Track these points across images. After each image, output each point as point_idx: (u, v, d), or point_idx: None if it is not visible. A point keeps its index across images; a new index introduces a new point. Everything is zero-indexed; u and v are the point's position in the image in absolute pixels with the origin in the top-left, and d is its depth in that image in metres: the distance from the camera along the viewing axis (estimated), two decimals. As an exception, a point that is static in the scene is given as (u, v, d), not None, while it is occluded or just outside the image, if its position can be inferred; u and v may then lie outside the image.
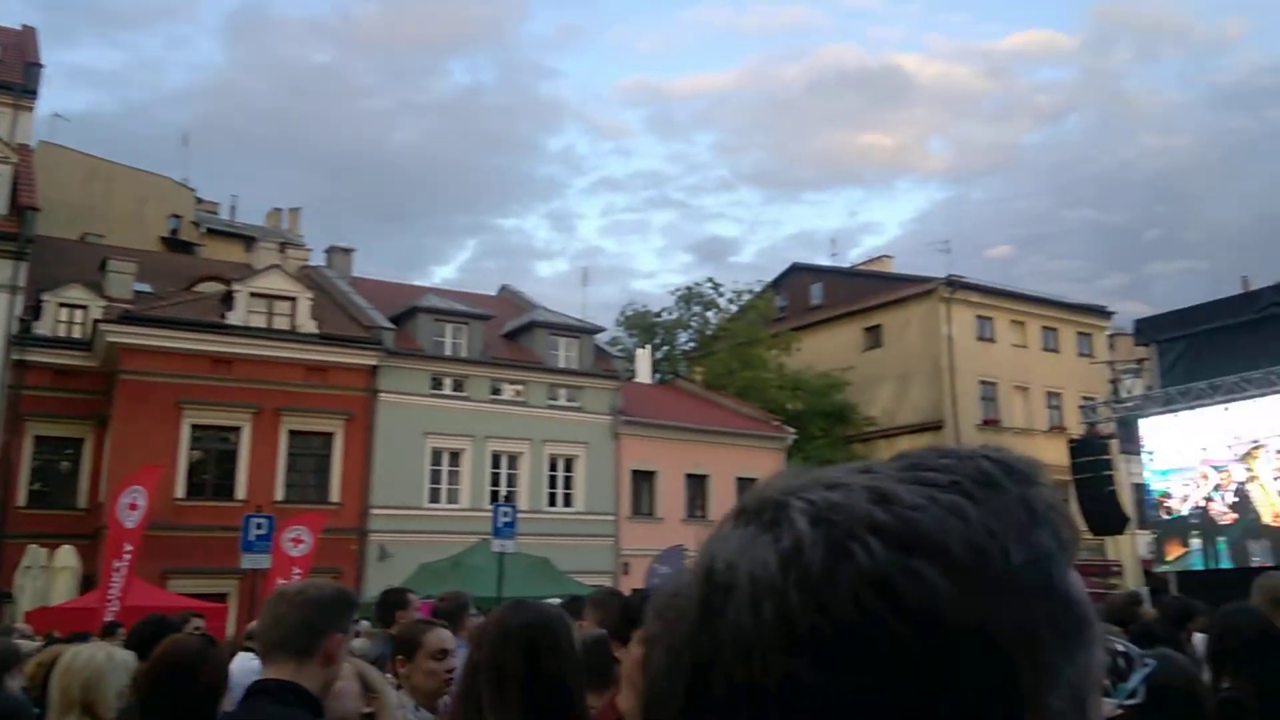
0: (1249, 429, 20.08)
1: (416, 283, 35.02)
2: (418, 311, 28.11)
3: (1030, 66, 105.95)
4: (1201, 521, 20.83)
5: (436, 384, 27.62)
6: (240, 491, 24.15)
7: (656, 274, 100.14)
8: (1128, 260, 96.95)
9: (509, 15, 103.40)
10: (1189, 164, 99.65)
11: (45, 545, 18.98)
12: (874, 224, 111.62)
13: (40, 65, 29.43)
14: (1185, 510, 21.18)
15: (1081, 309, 40.13)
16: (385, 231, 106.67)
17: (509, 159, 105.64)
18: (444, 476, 27.37)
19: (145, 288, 27.41)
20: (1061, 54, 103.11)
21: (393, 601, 5.99)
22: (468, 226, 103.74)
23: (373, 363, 26.52)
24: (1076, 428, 25.73)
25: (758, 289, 42.06)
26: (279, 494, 24.47)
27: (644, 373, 36.04)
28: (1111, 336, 39.83)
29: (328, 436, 25.90)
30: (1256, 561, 18.93)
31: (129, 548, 14.70)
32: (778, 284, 43.18)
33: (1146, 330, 24.31)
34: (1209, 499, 20.71)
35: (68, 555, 18.74)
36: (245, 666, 4.84)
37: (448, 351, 28.04)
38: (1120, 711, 1.13)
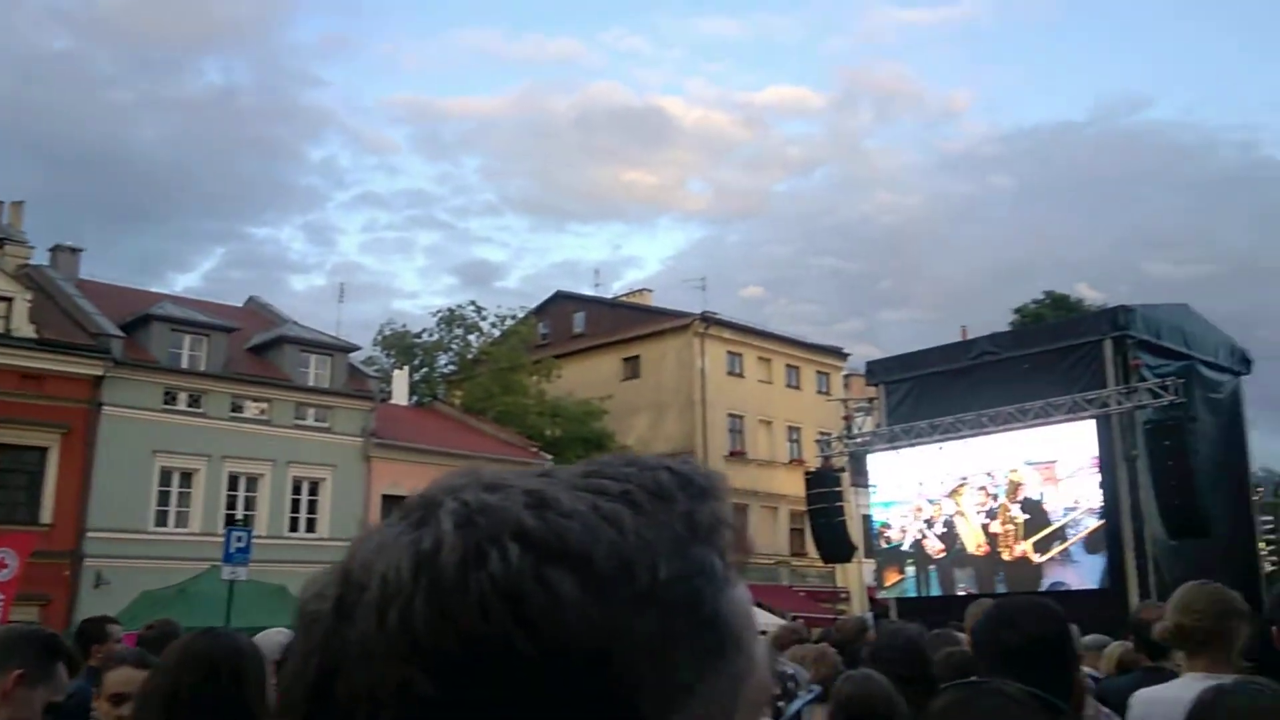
0: (959, 467, 22.15)
1: (155, 289, 32.51)
2: (152, 319, 26.11)
3: (783, 119, 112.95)
4: (916, 551, 22.70)
5: (170, 398, 25.72)
6: (-73, 511, 21.43)
7: (419, 294, 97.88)
8: (864, 306, 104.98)
9: (270, 18, 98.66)
10: (919, 221, 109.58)
11: None
12: (636, 258, 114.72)
13: None
14: (903, 541, 23.01)
15: (821, 349, 42.96)
16: (124, 233, 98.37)
17: (265, 166, 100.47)
18: (173, 498, 25.52)
19: None
20: (812, 110, 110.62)
21: (89, 633, 5.54)
22: (216, 233, 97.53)
23: (97, 373, 24.36)
24: (814, 460, 27.32)
25: (521, 315, 42.15)
26: (-24, 514, 21.91)
27: (401, 394, 35.24)
28: (847, 376, 42.78)
29: (41, 451, 23.53)
30: (962, 589, 20.85)
31: None
32: (541, 311, 43.49)
33: (876, 372, 26.35)
34: (923, 531, 22.61)
35: None
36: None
37: (185, 364, 26.21)
38: None
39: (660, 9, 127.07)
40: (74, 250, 29.89)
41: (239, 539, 16.69)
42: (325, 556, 27.21)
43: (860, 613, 28.17)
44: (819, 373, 41.98)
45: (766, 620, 24.15)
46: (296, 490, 27.68)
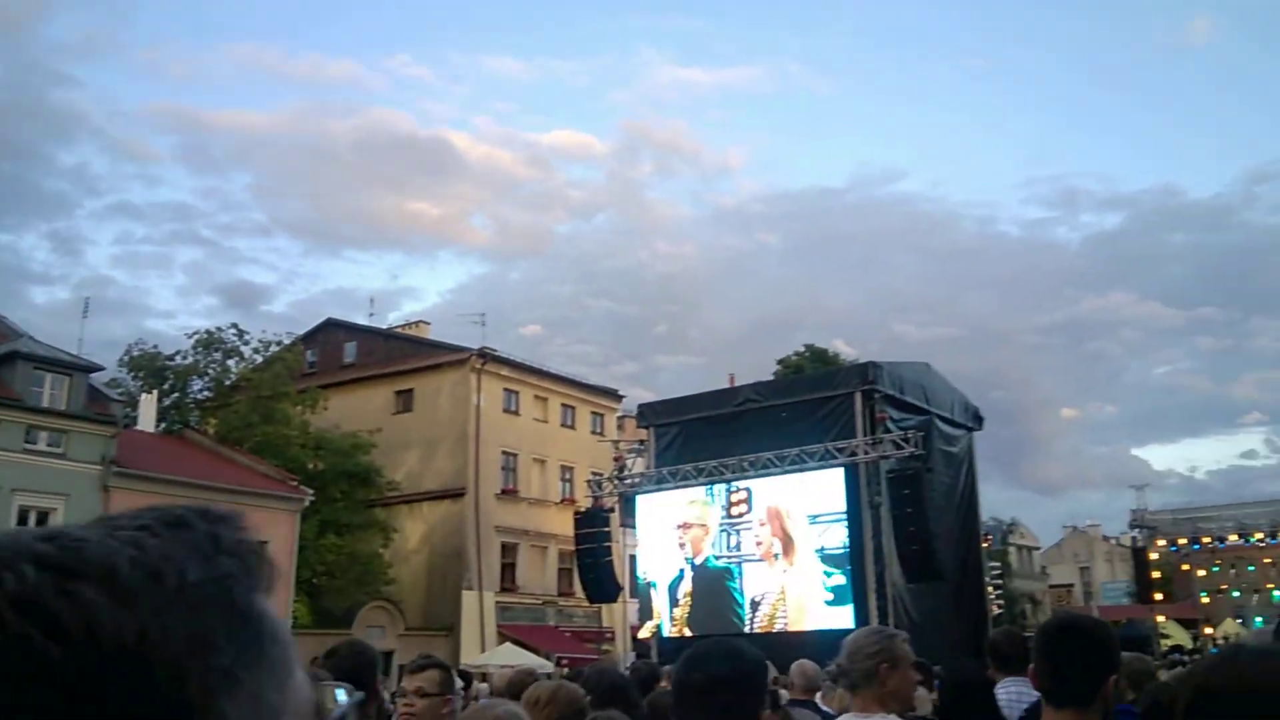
0: (717, 510, 22.97)
1: None
2: None
3: (567, 163, 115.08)
4: (671, 592, 23.32)
5: None
6: None
7: (176, 314, 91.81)
8: (639, 350, 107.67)
9: (22, 9, 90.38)
10: (694, 270, 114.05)
11: None
12: (415, 289, 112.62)
13: None
14: (660, 581, 23.60)
15: (597, 390, 43.56)
16: None
17: (6, 166, 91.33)
18: None
19: None
20: (594, 157, 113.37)
21: None
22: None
23: None
24: (585, 501, 27.56)
25: (287, 340, 40.12)
26: None
27: (148, 420, 32.63)
28: (621, 418, 43.56)
29: None
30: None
31: None
32: (310, 338, 41.68)
33: (647, 414, 27.04)
34: (679, 573, 23.27)
35: None
36: None
37: (-109, 377, 23.31)
38: None
39: (447, 41, 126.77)
40: None
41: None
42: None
43: (624, 653, 28.52)
44: (594, 413, 42.48)
45: (534, 662, 23.98)
46: (23, 521, 25.00)
